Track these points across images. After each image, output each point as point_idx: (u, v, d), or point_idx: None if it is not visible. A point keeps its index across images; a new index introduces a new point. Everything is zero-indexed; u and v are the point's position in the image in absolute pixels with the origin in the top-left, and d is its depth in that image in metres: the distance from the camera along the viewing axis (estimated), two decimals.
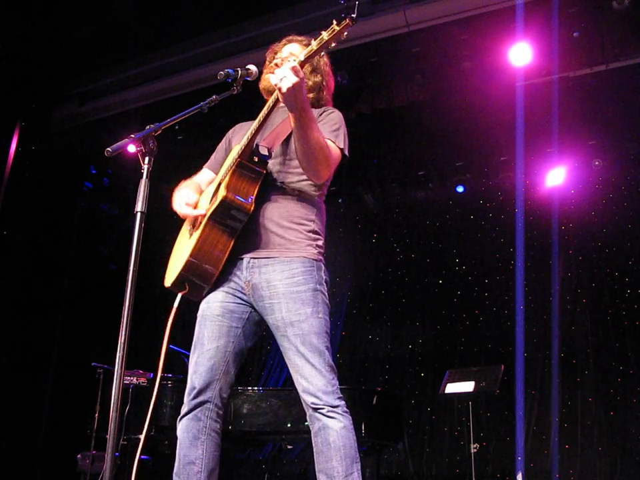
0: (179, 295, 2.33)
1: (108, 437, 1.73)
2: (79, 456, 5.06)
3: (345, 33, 2.00)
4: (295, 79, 2.00)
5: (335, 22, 1.98)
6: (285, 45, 2.55)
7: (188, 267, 2.22)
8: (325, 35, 2.00)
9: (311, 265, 2.25)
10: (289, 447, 5.01)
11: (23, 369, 6.26)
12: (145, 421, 2.09)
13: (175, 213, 2.43)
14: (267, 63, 2.56)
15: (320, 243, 2.34)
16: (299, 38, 2.56)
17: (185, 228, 2.46)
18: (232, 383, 2.27)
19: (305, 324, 2.16)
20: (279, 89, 2.03)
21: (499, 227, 6.86)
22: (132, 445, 4.45)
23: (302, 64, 2.05)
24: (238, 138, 2.48)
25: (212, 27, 5.74)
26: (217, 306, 2.27)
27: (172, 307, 2.30)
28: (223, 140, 2.61)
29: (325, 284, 2.28)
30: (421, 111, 6.03)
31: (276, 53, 2.55)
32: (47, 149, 6.66)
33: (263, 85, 2.52)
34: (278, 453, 6.60)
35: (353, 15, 1.95)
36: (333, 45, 2.02)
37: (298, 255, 2.25)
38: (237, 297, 2.27)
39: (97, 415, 4.76)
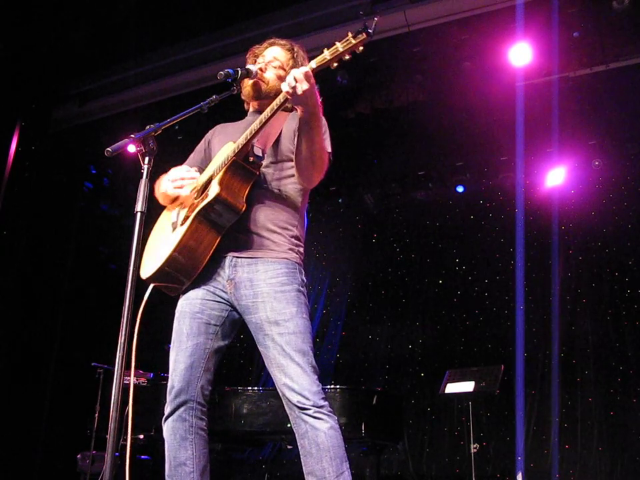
0: (150, 288, 2.28)
1: (108, 437, 1.73)
2: (79, 456, 5.07)
3: (361, 48, 2.00)
4: (306, 86, 2.02)
5: (350, 34, 1.97)
6: (266, 48, 2.54)
7: (170, 262, 2.20)
8: (339, 46, 2.00)
9: (293, 267, 2.27)
10: (289, 446, 5.01)
11: (23, 369, 6.26)
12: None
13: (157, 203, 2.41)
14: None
15: (301, 249, 2.36)
16: (281, 42, 2.54)
17: (166, 220, 2.43)
18: (212, 380, 2.26)
19: (290, 323, 2.16)
20: (289, 94, 2.04)
21: (499, 227, 6.86)
22: (132, 444, 4.45)
23: (313, 71, 2.05)
24: (220, 139, 2.48)
25: (211, 27, 5.74)
26: (196, 303, 2.26)
27: (142, 299, 2.22)
28: (202, 141, 2.60)
29: (305, 287, 2.30)
30: (421, 111, 6.03)
31: (257, 56, 2.53)
32: (47, 149, 6.65)
33: (249, 87, 2.47)
34: (278, 453, 6.60)
35: (369, 31, 1.95)
36: (347, 57, 2.02)
37: (281, 257, 2.26)
38: (217, 295, 2.27)
39: (97, 414, 4.76)
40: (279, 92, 2.34)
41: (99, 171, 7.31)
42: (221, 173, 2.22)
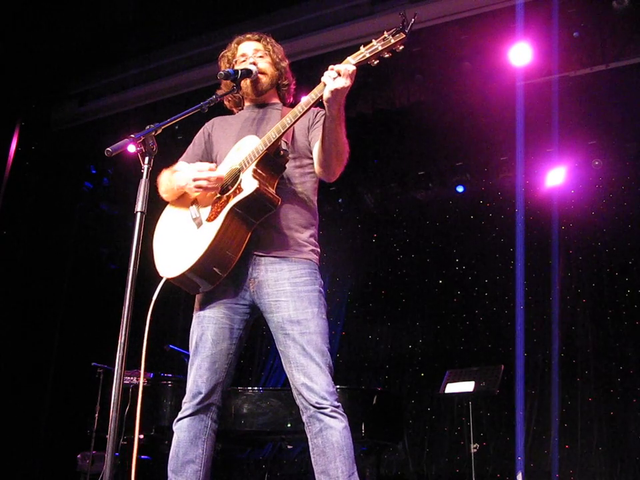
0: (160, 286, 2.21)
1: (108, 437, 1.73)
2: (79, 456, 5.06)
3: (401, 47, 2.06)
4: (348, 82, 2.05)
5: (386, 33, 2.02)
6: (236, 47, 2.53)
7: (206, 258, 2.15)
8: (377, 44, 2.07)
9: (315, 268, 2.31)
10: (289, 446, 5.02)
11: (23, 369, 6.26)
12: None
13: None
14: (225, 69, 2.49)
15: (318, 249, 2.39)
16: (247, 35, 2.55)
17: (179, 216, 2.36)
18: (231, 382, 2.29)
19: (311, 323, 2.18)
20: (328, 85, 2.04)
21: (499, 226, 6.86)
22: (132, 444, 4.44)
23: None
24: (224, 133, 2.47)
25: (211, 26, 5.74)
26: (219, 307, 2.26)
27: (148, 298, 2.16)
28: (201, 134, 2.56)
29: (323, 288, 2.33)
30: (421, 111, 6.02)
31: (231, 59, 2.52)
32: (47, 148, 6.66)
33: (251, 85, 2.47)
34: (278, 453, 6.60)
35: (407, 30, 2.05)
36: (387, 55, 2.07)
37: (305, 257, 2.28)
38: (239, 295, 2.27)
39: (97, 415, 4.76)
40: (276, 81, 2.46)
41: (99, 171, 7.30)
42: (252, 166, 2.19)
